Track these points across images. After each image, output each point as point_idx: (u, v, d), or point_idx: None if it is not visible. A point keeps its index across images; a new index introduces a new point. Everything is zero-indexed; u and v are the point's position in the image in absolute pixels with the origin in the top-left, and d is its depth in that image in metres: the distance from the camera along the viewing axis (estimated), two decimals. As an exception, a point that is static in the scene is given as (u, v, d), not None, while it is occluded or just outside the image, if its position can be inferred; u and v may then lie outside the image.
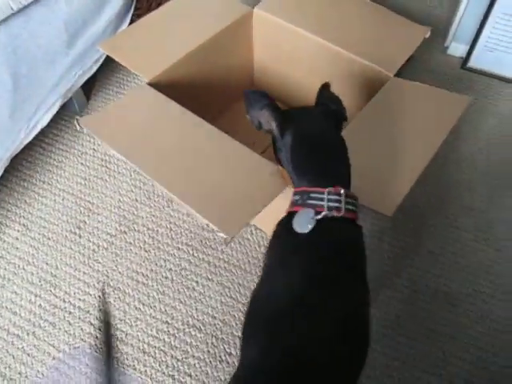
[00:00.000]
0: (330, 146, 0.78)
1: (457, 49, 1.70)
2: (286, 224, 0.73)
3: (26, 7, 1.18)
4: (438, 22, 1.83)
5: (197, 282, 1.22)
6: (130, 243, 1.29)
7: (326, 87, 0.88)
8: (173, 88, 1.20)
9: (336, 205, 0.70)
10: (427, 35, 1.31)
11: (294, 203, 0.74)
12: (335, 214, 0.70)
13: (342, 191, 0.71)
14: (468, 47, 1.64)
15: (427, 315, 1.17)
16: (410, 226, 1.31)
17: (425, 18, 1.81)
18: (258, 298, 0.70)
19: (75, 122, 1.05)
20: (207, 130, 1.07)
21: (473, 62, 1.66)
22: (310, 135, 0.78)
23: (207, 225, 1.02)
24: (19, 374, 1.10)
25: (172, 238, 1.29)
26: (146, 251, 1.27)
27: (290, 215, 0.73)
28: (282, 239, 0.74)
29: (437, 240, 1.29)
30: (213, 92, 1.40)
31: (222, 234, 0.85)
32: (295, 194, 0.75)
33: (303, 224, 0.70)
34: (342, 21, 1.32)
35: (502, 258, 1.26)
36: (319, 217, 0.69)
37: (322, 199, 0.70)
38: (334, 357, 0.62)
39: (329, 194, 0.70)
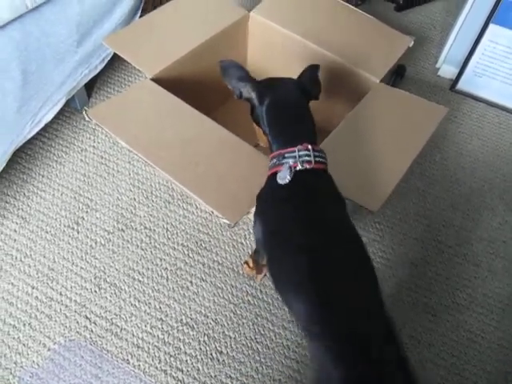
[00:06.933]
0: (299, 114, 0.94)
1: (447, 71, 1.79)
2: (272, 182, 0.88)
3: (39, 6, 1.21)
4: (431, 43, 1.92)
5: (191, 281, 1.26)
6: (127, 241, 1.32)
7: (313, 68, 1.03)
8: (173, 84, 1.26)
9: (306, 158, 0.86)
10: (411, 44, 1.39)
11: (273, 165, 0.89)
12: (307, 166, 0.85)
13: (310, 147, 0.86)
14: (458, 70, 1.73)
15: (407, 323, 1.24)
16: (395, 239, 1.39)
17: (418, 39, 1.90)
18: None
19: (83, 112, 1.09)
20: (206, 123, 1.14)
21: (461, 85, 1.75)
22: (283, 104, 0.95)
23: (212, 212, 1.09)
24: (14, 363, 1.13)
25: (168, 238, 1.34)
26: (142, 250, 1.31)
27: (273, 175, 0.88)
28: (272, 194, 0.89)
29: (420, 253, 1.37)
30: (209, 89, 1.46)
31: (225, 220, 0.92)
32: (272, 158, 0.90)
33: (284, 177, 0.85)
34: (332, 27, 1.41)
35: (479, 273, 1.34)
36: (298, 169, 0.85)
37: (294, 156, 0.86)
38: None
39: (299, 150, 0.86)
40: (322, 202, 0.86)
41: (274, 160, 0.89)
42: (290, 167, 0.85)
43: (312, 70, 1.02)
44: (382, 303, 0.78)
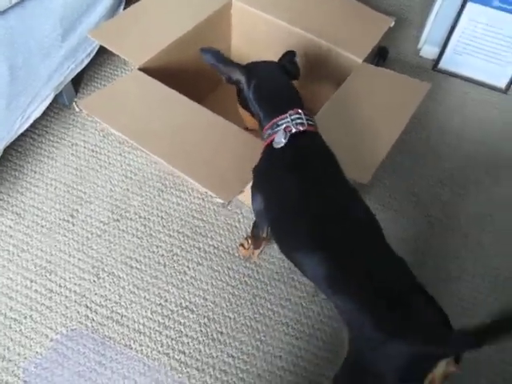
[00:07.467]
0: (285, 88, 1.00)
1: (429, 51, 1.82)
2: (268, 152, 0.93)
3: (22, 1, 1.21)
4: (411, 25, 1.95)
5: (188, 266, 1.28)
6: (123, 230, 1.34)
7: (291, 53, 1.09)
8: (160, 74, 1.28)
9: (299, 121, 0.91)
10: (392, 24, 1.42)
11: (267, 136, 0.94)
12: (301, 128, 0.90)
13: (300, 111, 0.92)
14: (439, 50, 1.76)
15: (402, 296, 1.27)
16: (386, 216, 1.42)
17: (398, 21, 1.92)
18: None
19: (74, 103, 1.11)
20: (193, 108, 1.16)
21: (443, 64, 1.78)
22: (269, 83, 1.01)
23: (205, 192, 1.11)
24: (18, 355, 1.14)
25: (163, 225, 1.35)
26: (138, 238, 1.33)
27: (269, 146, 0.93)
28: (269, 162, 0.94)
29: (410, 228, 1.40)
30: (197, 77, 1.48)
31: (219, 200, 0.95)
32: (266, 130, 0.94)
33: (279, 141, 0.90)
34: (312, 10, 1.43)
35: (468, 244, 1.38)
36: (292, 132, 0.90)
37: (287, 121, 0.90)
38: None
39: (291, 115, 0.91)
40: (320, 162, 0.91)
41: (269, 131, 0.94)
42: (285, 130, 0.90)
43: (290, 55, 1.09)
44: (389, 247, 0.84)
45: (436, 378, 0.73)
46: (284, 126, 0.90)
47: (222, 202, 0.96)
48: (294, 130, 0.90)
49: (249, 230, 1.35)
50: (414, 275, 0.82)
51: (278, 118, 0.92)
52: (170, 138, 1.10)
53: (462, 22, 1.69)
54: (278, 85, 1.00)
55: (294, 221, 0.87)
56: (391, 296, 0.76)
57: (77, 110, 1.10)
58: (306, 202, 0.87)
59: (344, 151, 1.04)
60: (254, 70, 1.02)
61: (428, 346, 0.71)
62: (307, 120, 0.92)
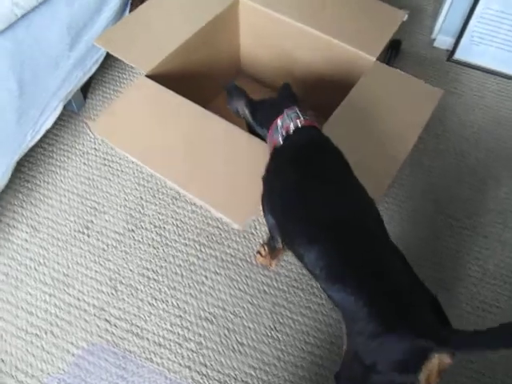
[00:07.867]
0: (281, 100, 1.06)
1: (443, 41, 1.76)
2: (273, 155, 0.98)
3: (28, 13, 1.19)
4: (425, 14, 1.89)
5: (206, 276, 1.27)
6: (139, 241, 1.33)
7: (286, 85, 1.14)
8: (168, 78, 1.26)
9: (294, 115, 0.97)
10: (405, 18, 1.37)
11: (271, 141, 0.99)
12: (298, 122, 0.95)
13: (296, 108, 0.98)
14: (454, 40, 1.71)
15: (422, 300, 1.26)
16: (404, 216, 1.39)
17: (411, 11, 1.86)
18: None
19: (88, 129, 1.09)
20: (208, 118, 1.14)
21: (459, 55, 1.73)
22: (269, 106, 1.06)
23: (220, 218, 1.10)
24: (41, 371, 1.15)
25: (179, 234, 1.34)
26: (154, 248, 1.32)
27: (274, 147, 0.98)
28: (274, 166, 0.97)
29: (429, 228, 1.38)
30: (204, 80, 1.45)
31: (236, 226, 0.93)
32: (271, 135, 0.99)
33: (277, 138, 0.97)
34: (323, 7, 1.39)
35: (489, 244, 1.35)
36: (291, 129, 0.95)
37: (285, 120, 0.96)
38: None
39: (287, 113, 0.97)
40: (318, 154, 0.93)
41: (272, 134, 0.98)
42: (283, 128, 0.96)
43: (286, 89, 1.14)
44: (389, 241, 0.85)
45: (433, 371, 0.73)
46: (283, 126, 0.96)
47: (238, 228, 0.94)
48: (291, 126, 0.95)
49: (265, 237, 1.33)
50: (415, 272, 0.82)
51: (277, 119, 0.97)
52: (182, 152, 1.08)
53: (478, 9, 1.63)
54: (277, 104, 1.04)
55: (293, 213, 0.89)
56: (390, 290, 0.77)
57: (92, 136, 1.09)
58: (304, 194, 0.88)
59: (357, 161, 1.00)
60: (258, 103, 1.08)
61: (420, 342, 0.72)
62: (303, 116, 0.96)
